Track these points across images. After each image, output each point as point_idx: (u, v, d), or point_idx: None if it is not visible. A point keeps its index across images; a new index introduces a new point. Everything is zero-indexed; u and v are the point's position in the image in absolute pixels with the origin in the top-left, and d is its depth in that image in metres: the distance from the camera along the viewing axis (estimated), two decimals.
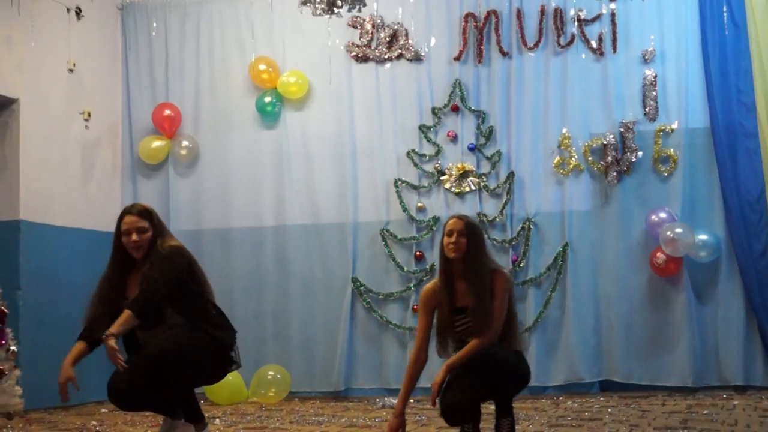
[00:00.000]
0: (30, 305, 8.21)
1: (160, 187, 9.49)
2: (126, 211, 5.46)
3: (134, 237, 5.36)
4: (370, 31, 9.23)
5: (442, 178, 8.92)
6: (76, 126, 9.03)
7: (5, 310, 7.20)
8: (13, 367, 7.26)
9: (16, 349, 7.28)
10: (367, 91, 9.22)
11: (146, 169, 9.59)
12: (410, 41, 9.14)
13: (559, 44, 8.82)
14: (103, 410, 8.20)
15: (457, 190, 8.87)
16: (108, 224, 9.15)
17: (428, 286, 5.43)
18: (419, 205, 8.95)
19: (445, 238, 5.31)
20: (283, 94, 9.31)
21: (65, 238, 8.70)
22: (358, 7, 7.61)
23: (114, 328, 5.05)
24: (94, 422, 7.17)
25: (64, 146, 8.85)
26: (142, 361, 5.13)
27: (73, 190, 8.92)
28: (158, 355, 5.11)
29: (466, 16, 8.99)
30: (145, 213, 5.44)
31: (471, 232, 5.34)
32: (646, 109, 8.58)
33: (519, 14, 8.90)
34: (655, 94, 8.57)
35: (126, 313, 5.10)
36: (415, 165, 8.97)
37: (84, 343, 5.36)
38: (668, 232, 8.14)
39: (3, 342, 7.17)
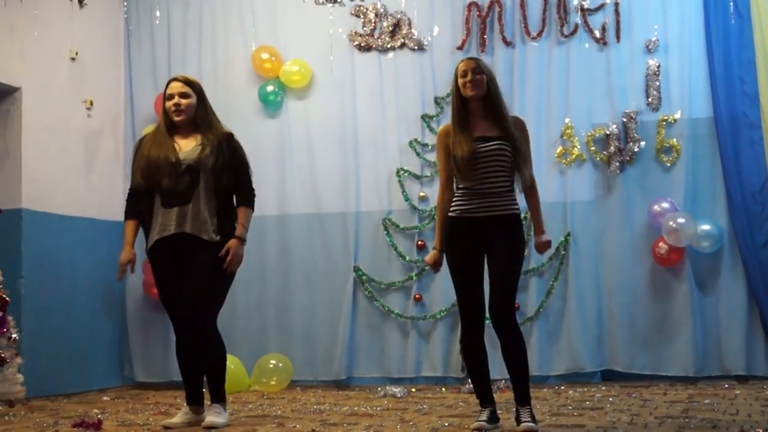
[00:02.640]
0: (32, 293, 8.21)
1: None
2: (172, 78, 6.12)
3: (176, 100, 5.97)
4: (372, 20, 9.21)
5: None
6: (78, 114, 9.02)
7: (7, 299, 7.20)
8: (14, 355, 7.26)
9: (17, 337, 7.29)
10: (369, 81, 9.20)
11: None
12: (413, 30, 9.12)
13: (562, 34, 8.79)
14: (105, 398, 8.22)
15: None
16: (110, 213, 9.24)
17: (443, 126, 5.65)
18: (421, 194, 8.93)
19: (460, 80, 5.47)
20: (285, 83, 9.29)
21: (67, 227, 8.69)
22: None
23: (241, 231, 6.00)
24: (95, 410, 7.17)
25: (66, 135, 8.84)
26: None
27: (76, 179, 8.91)
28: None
29: (469, 5, 8.97)
30: (189, 82, 6.10)
31: (487, 70, 5.51)
32: (649, 99, 8.55)
33: (522, 3, 8.86)
34: (658, 84, 8.54)
35: (245, 211, 6.07)
36: (418, 154, 8.95)
37: (134, 221, 6.07)
38: (670, 222, 8.12)
39: (5, 330, 7.17)
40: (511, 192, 5.54)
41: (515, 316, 5.52)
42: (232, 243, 5.91)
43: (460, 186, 5.53)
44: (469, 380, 8.14)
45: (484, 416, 5.50)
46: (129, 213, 6.10)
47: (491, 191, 5.45)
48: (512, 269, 5.47)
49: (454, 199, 5.56)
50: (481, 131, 5.48)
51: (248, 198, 6.10)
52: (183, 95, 5.99)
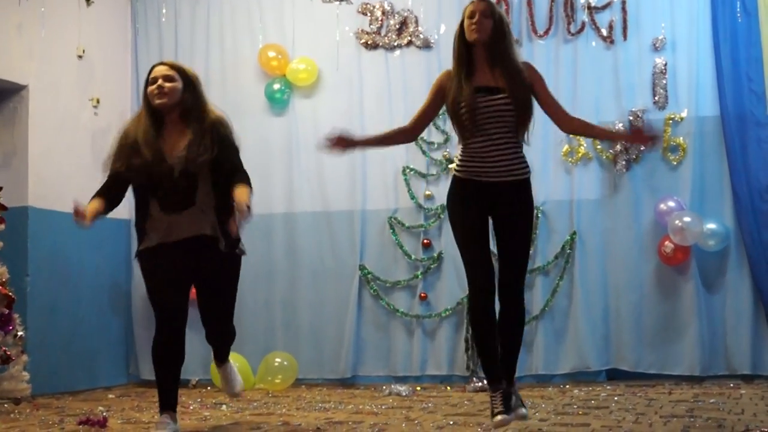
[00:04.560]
0: (38, 291, 8.24)
1: None
2: (158, 62, 5.60)
3: (159, 82, 5.37)
4: (379, 18, 9.20)
5: (450, 166, 8.85)
6: (85, 112, 9.04)
7: (13, 296, 7.22)
8: (20, 353, 7.28)
9: (23, 335, 7.31)
10: (376, 79, 9.19)
11: None
12: (420, 28, 9.11)
13: (569, 32, 8.78)
14: (111, 396, 8.24)
15: None
16: (117, 211, 9.04)
17: (447, 69, 5.23)
18: (427, 193, 8.92)
19: (466, 21, 5.06)
20: (292, 81, 9.29)
21: (74, 225, 8.58)
22: None
23: (249, 201, 5.18)
24: (101, 408, 7.18)
25: (73, 132, 8.86)
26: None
27: (82, 177, 8.88)
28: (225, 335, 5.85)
29: None
30: (176, 66, 5.53)
31: (497, 14, 5.07)
32: (656, 98, 8.53)
33: (529, 2, 8.84)
34: (665, 82, 8.52)
35: (246, 189, 5.27)
36: (424, 153, 8.94)
37: (101, 200, 5.46)
38: (677, 221, 8.10)
39: (10, 328, 7.19)
40: (520, 152, 5.08)
41: (523, 290, 5.21)
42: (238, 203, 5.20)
43: (467, 143, 5.05)
44: (474, 379, 8.18)
45: (499, 402, 4.94)
46: (100, 191, 5.55)
47: (499, 152, 4.98)
48: (525, 240, 5.11)
49: (460, 156, 5.10)
50: (484, 80, 5.02)
51: (245, 178, 5.41)
52: (167, 78, 5.38)
